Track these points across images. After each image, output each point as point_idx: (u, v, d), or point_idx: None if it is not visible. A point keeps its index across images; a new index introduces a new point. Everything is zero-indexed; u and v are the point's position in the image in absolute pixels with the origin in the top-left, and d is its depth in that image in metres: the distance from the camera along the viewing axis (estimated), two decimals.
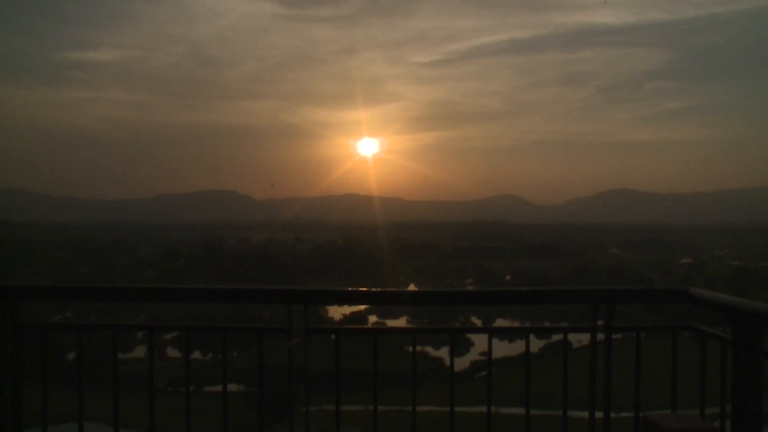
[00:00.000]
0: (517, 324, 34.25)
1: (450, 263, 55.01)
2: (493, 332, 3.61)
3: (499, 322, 35.38)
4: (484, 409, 3.41)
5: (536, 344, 24.64)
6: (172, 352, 25.52)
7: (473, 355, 23.94)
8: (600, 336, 3.35)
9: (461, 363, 24.66)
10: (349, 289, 3.42)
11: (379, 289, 3.36)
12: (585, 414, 3.32)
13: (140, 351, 25.64)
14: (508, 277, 48.92)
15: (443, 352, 19.50)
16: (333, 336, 3.43)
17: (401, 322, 32.67)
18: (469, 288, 35.97)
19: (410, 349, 3.47)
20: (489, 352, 3.59)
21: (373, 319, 32.44)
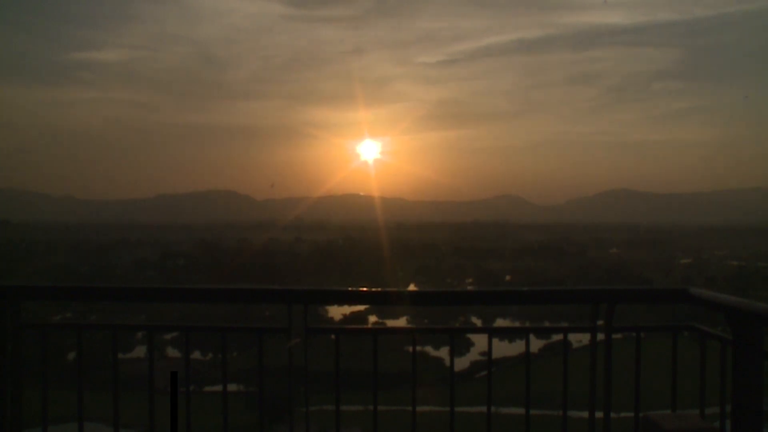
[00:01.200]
0: (517, 324, 34.27)
1: (450, 263, 55.03)
2: (493, 332, 3.61)
3: (499, 322, 35.38)
4: (484, 409, 3.41)
5: (536, 344, 24.64)
6: (172, 352, 25.51)
7: (473, 355, 23.93)
8: (600, 336, 3.35)
9: (461, 363, 24.64)
10: (349, 289, 3.42)
11: (379, 289, 3.36)
12: (585, 414, 3.32)
13: (140, 351, 25.65)
14: (508, 277, 48.94)
15: (443, 352, 19.51)
16: (333, 336, 3.43)
17: (401, 322, 32.67)
18: (469, 288, 35.99)
19: (410, 349, 3.47)
20: (489, 352, 3.59)
21: (373, 319, 32.44)
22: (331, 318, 31.58)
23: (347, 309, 31.00)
